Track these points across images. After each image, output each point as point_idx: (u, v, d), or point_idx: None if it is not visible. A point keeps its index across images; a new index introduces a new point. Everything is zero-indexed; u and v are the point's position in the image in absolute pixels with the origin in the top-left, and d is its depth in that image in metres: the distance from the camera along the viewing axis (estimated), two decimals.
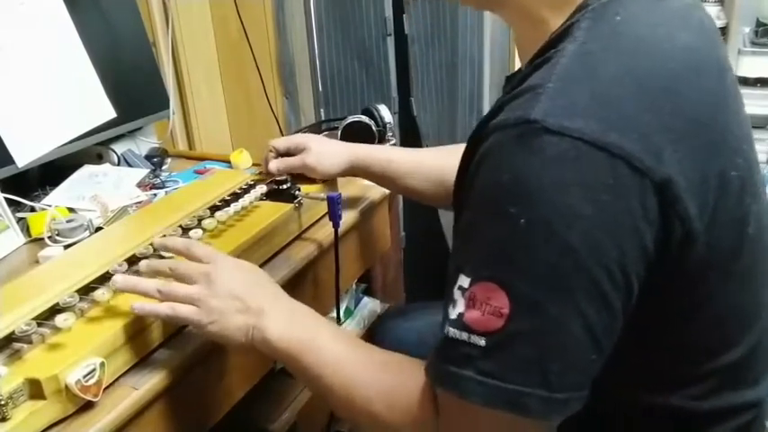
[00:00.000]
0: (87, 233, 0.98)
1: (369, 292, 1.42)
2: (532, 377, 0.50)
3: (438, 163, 0.98)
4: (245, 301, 0.68)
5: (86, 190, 1.12)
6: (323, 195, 0.95)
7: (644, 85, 0.51)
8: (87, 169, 1.21)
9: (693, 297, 0.56)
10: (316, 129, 1.46)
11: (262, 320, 0.67)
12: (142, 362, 0.73)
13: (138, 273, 0.73)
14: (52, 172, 1.17)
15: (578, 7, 0.56)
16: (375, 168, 1.01)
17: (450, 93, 1.81)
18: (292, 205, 0.96)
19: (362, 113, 1.29)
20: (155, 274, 0.72)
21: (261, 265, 0.86)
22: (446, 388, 0.54)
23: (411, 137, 1.78)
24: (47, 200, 1.11)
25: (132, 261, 0.80)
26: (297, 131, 1.50)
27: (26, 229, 1.03)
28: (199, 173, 1.26)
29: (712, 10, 1.80)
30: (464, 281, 0.52)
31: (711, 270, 0.55)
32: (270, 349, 0.67)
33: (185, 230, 0.87)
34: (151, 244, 0.82)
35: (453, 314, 0.53)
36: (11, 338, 0.67)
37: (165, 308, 0.68)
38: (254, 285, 0.71)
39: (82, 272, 0.76)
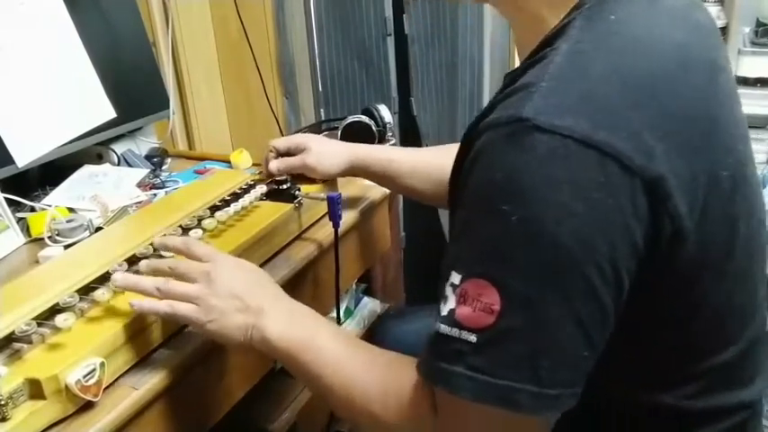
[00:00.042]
0: (87, 233, 0.98)
1: (369, 292, 1.42)
2: (523, 373, 0.50)
3: (438, 162, 0.98)
4: (244, 300, 0.68)
5: (86, 190, 1.12)
6: (323, 195, 0.95)
7: (631, 83, 0.51)
8: (87, 169, 1.21)
9: (688, 297, 0.56)
10: (316, 129, 1.46)
11: (261, 320, 0.67)
12: (142, 362, 0.73)
13: (138, 273, 0.73)
14: (52, 172, 1.17)
15: (575, 6, 0.57)
16: (375, 168, 1.01)
17: (450, 93, 1.81)
18: (292, 205, 0.96)
19: (362, 113, 1.29)
20: (154, 273, 0.72)
21: (261, 265, 0.86)
22: (437, 384, 0.55)
23: (411, 137, 1.78)
24: (47, 200, 1.11)
25: (132, 261, 0.80)
26: (297, 131, 1.50)
27: (26, 229, 1.03)
28: (199, 173, 1.26)
29: (712, 10, 1.80)
30: (455, 278, 0.53)
31: (705, 270, 0.55)
32: (269, 349, 0.67)
33: (185, 230, 0.87)
34: (151, 244, 0.82)
35: (444, 310, 0.53)
36: (11, 338, 0.67)
37: (164, 306, 0.68)
38: (254, 285, 0.71)
39: (82, 272, 0.76)
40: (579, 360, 0.51)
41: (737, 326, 0.61)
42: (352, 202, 1.10)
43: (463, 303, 0.51)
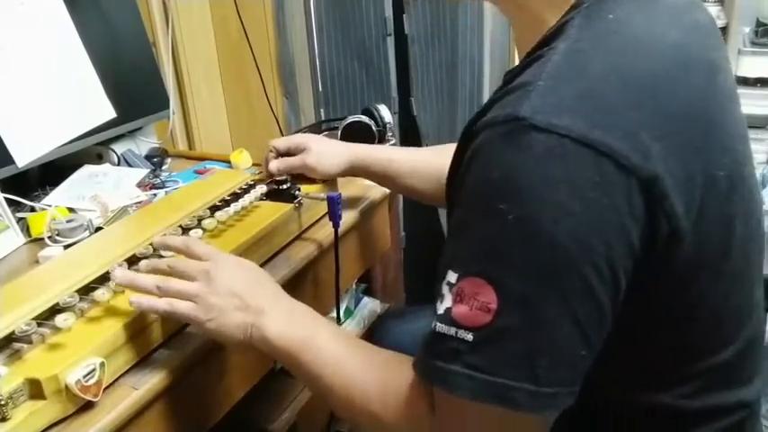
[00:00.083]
0: (87, 233, 0.98)
1: (369, 292, 1.42)
2: (521, 371, 0.50)
3: (438, 162, 0.98)
4: (244, 299, 0.68)
5: (86, 190, 1.12)
6: (323, 195, 0.95)
7: (629, 82, 0.51)
8: (87, 169, 1.21)
9: (685, 297, 0.56)
10: (316, 129, 1.46)
11: (261, 319, 0.67)
12: (142, 362, 0.73)
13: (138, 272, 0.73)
14: (52, 172, 1.17)
15: (573, 5, 0.57)
16: (375, 168, 1.01)
17: (450, 93, 1.81)
18: (292, 205, 0.96)
19: (362, 113, 1.29)
20: (154, 272, 0.72)
21: (261, 265, 0.86)
22: (434, 383, 0.55)
23: (411, 137, 1.78)
24: (47, 200, 1.11)
25: (132, 261, 0.80)
26: (297, 131, 1.50)
27: (26, 229, 1.03)
28: (199, 173, 1.26)
29: (712, 10, 1.80)
30: (452, 276, 0.53)
31: (702, 270, 0.55)
32: (269, 348, 0.67)
33: (185, 230, 0.87)
34: (151, 244, 0.82)
35: (441, 309, 0.53)
36: (11, 338, 0.67)
37: (163, 303, 0.68)
38: (254, 284, 0.71)
39: (82, 272, 0.76)
40: (576, 359, 0.51)
41: (735, 326, 0.61)
42: (352, 202, 1.10)
43: (460, 302, 0.51)
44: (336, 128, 1.29)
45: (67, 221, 0.99)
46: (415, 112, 1.76)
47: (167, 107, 1.41)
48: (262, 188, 0.97)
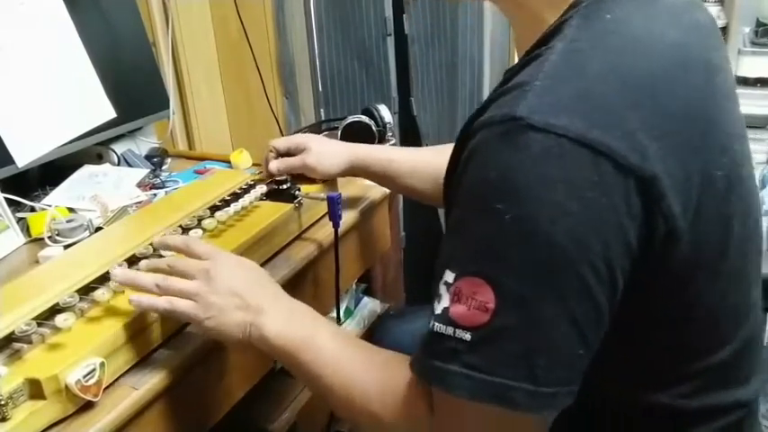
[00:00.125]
0: (87, 233, 0.98)
1: (369, 292, 1.42)
2: (519, 371, 0.50)
3: (438, 162, 0.98)
4: (244, 298, 0.68)
5: (86, 190, 1.12)
6: (323, 195, 0.95)
7: (628, 82, 0.51)
8: (87, 169, 1.21)
9: (682, 297, 0.56)
10: (316, 129, 1.46)
11: (260, 318, 0.67)
12: (142, 362, 0.73)
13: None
14: (52, 172, 1.17)
15: (572, 4, 0.57)
16: (375, 168, 1.01)
17: (450, 93, 1.81)
18: (292, 205, 0.96)
19: (362, 113, 1.29)
20: (154, 271, 0.72)
21: (261, 265, 0.86)
22: (432, 383, 0.55)
23: (411, 137, 1.78)
24: (47, 200, 1.11)
25: (132, 261, 0.80)
26: (297, 131, 1.50)
27: (26, 229, 1.03)
28: (199, 173, 1.26)
29: (712, 10, 1.80)
30: (449, 276, 0.53)
31: (699, 269, 0.55)
32: (268, 347, 0.67)
33: (185, 230, 0.87)
34: (151, 244, 0.82)
35: (438, 309, 0.53)
36: (11, 338, 0.67)
37: (163, 302, 0.68)
38: (254, 284, 0.71)
39: (82, 272, 0.76)
40: (574, 359, 0.51)
41: (732, 326, 0.61)
42: (352, 202, 1.10)
43: (457, 302, 0.51)
44: (336, 128, 1.29)
45: (67, 221, 0.99)
46: (415, 112, 1.76)
47: (167, 107, 1.41)
48: (262, 188, 0.97)
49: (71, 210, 1.06)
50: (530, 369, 0.50)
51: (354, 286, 1.37)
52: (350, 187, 1.14)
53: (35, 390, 0.63)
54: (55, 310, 0.71)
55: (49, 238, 0.98)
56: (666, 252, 0.52)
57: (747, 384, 0.63)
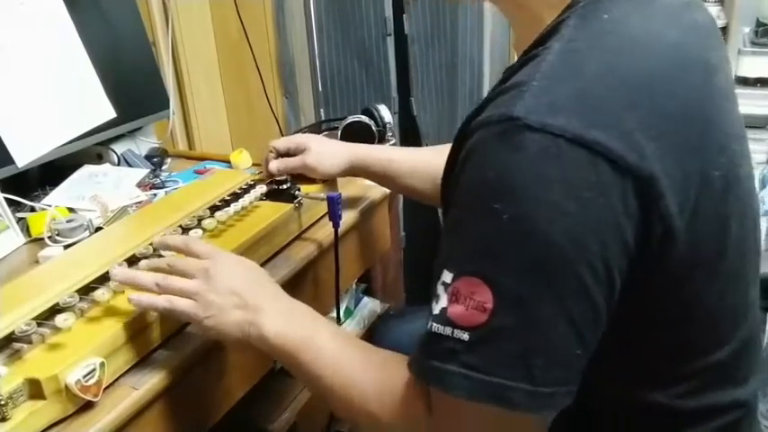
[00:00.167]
0: (87, 233, 0.98)
1: (369, 292, 1.42)
2: (517, 371, 0.50)
3: (438, 162, 0.97)
4: (243, 297, 0.68)
5: (86, 190, 1.12)
6: (323, 195, 0.95)
7: (626, 82, 0.51)
8: (87, 169, 1.21)
9: (680, 296, 0.56)
10: (316, 129, 1.46)
11: (259, 317, 0.67)
12: (142, 362, 0.73)
13: None
14: (52, 172, 1.17)
15: (569, 4, 0.57)
16: (375, 168, 1.01)
17: (450, 93, 1.81)
18: (292, 205, 0.96)
19: (362, 113, 1.29)
20: (154, 270, 0.72)
21: (261, 265, 0.86)
22: (430, 383, 0.55)
23: (411, 137, 1.78)
24: (47, 200, 1.11)
25: (132, 261, 0.80)
26: (297, 131, 1.50)
27: (26, 229, 1.03)
28: (199, 173, 1.26)
29: (712, 10, 1.80)
30: (447, 276, 0.53)
31: (696, 269, 0.55)
32: (267, 346, 0.67)
33: (185, 230, 0.87)
34: (151, 244, 0.82)
35: (436, 309, 0.53)
36: (11, 338, 0.67)
37: (162, 301, 0.68)
38: (254, 284, 0.71)
39: (82, 272, 0.76)
40: (572, 358, 0.51)
41: (730, 326, 0.61)
42: (352, 202, 1.10)
43: (455, 302, 0.51)
44: (336, 128, 1.29)
45: (67, 221, 0.99)
46: (415, 112, 1.76)
47: (167, 107, 1.41)
48: (262, 188, 0.97)
49: (71, 210, 1.06)
50: (527, 369, 0.50)
51: (354, 286, 1.37)
52: (350, 187, 1.14)
53: (35, 390, 0.63)
54: (55, 310, 0.71)
55: (49, 238, 0.98)
56: (663, 251, 0.52)
57: (746, 384, 0.63)
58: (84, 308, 0.71)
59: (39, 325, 0.68)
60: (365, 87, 1.76)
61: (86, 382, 0.64)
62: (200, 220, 0.89)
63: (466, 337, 0.51)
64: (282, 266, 0.92)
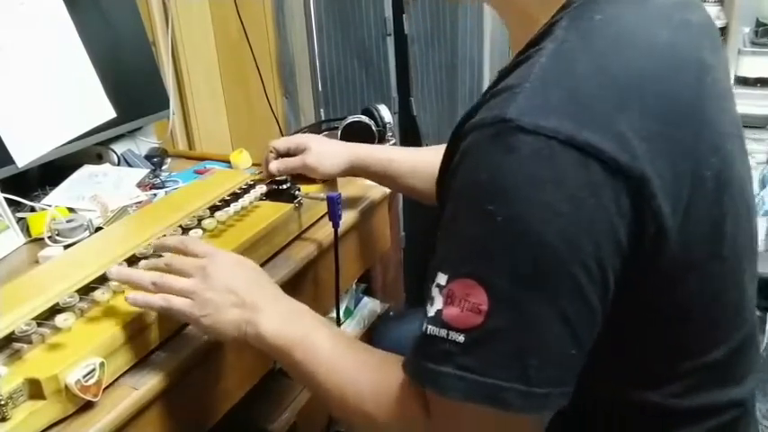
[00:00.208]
0: (87, 233, 0.98)
1: (369, 292, 1.42)
2: (512, 372, 0.50)
3: (438, 162, 0.98)
4: (240, 295, 0.68)
5: (86, 190, 1.12)
6: (323, 195, 0.95)
7: (617, 83, 0.51)
8: (87, 169, 1.21)
9: (673, 296, 0.56)
10: (316, 129, 1.46)
11: (256, 316, 0.67)
12: (142, 362, 0.73)
13: None
14: (52, 172, 1.17)
15: (563, 5, 0.57)
16: (375, 168, 1.01)
17: (449, 93, 1.81)
18: (292, 205, 0.96)
19: (362, 113, 1.29)
20: (152, 269, 0.72)
21: (261, 265, 0.86)
22: (425, 384, 0.55)
23: (411, 137, 1.78)
24: (47, 200, 1.11)
25: (132, 261, 0.80)
26: (297, 131, 1.51)
27: (26, 229, 1.03)
28: (199, 173, 1.26)
29: (712, 10, 1.79)
30: (441, 278, 0.53)
31: (690, 269, 0.55)
32: (264, 345, 0.66)
33: (185, 230, 0.87)
34: (151, 244, 0.82)
35: (431, 311, 0.53)
36: (11, 338, 0.67)
37: (158, 299, 0.68)
38: (252, 283, 0.71)
39: (82, 272, 0.76)
40: (567, 359, 0.51)
41: (726, 325, 0.61)
42: (352, 202, 1.10)
43: (450, 304, 0.51)
44: (336, 128, 1.29)
45: (67, 221, 0.99)
46: (415, 112, 1.77)
47: (167, 107, 1.41)
48: (262, 188, 0.97)
49: (71, 210, 1.06)
50: (522, 370, 0.50)
51: (354, 286, 1.37)
52: (350, 187, 1.14)
53: (35, 390, 0.63)
54: (55, 310, 0.71)
55: (49, 238, 0.98)
56: (656, 251, 0.52)
57: (743, 383, 0.63)
58: (84, 308, 0.71)
59: (39, 325, 0.68)
60: (365, 87, 1.76)
61: (86, 382, 0.64)
62: (200, 220, 0.89)
63: (461, 339, 0.51)
64: (282, 266, 0.92)
